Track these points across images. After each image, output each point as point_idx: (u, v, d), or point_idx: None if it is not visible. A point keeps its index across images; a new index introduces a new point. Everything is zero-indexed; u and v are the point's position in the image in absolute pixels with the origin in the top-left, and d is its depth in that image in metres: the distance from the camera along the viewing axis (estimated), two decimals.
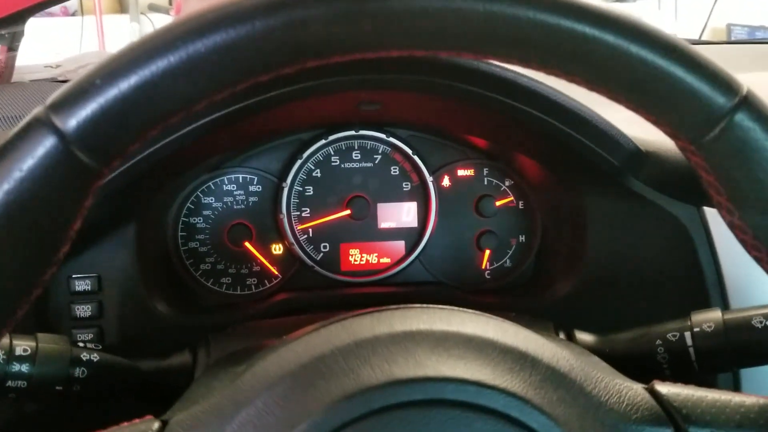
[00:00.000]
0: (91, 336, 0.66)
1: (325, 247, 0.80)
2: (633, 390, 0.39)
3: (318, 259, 0.79)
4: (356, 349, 0.36)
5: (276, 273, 0.79)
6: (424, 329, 0.37)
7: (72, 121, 0.30)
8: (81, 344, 0.55)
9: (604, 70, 0.33)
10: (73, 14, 3.61)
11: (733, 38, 3.57)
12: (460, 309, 0.40)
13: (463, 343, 0.37)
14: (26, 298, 0.32)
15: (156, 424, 0.37)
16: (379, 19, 0.31)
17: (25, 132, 0.31)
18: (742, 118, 0.33)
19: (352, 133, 0.77)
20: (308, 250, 0.79)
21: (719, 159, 0.34)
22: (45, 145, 0.30)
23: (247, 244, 0.78)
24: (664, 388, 0.39)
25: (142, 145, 0.37)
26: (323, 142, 0.77)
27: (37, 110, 0.31)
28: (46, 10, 3.01)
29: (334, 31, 0.31)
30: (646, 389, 0.40)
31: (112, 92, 0.30)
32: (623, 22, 0.32)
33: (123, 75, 0.30)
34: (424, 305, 0.41)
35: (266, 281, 0.79)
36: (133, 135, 0.32)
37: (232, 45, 0.30)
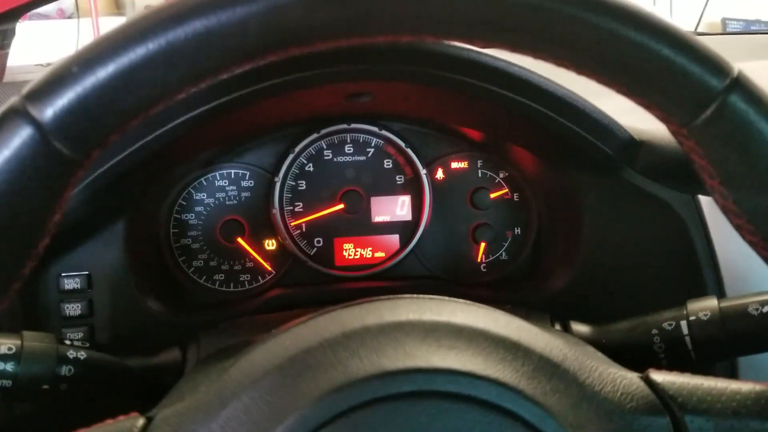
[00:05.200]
0: (81, 334, 0.66)
1: (318, 241, 0.79)
2: (628, 379, 0.38)
3: (312, 254, 0.79)
4: (345, 341, 0.35)
5: (270, 269, 0.78)
6: (413, 319, 0.37)
7: (49, 111, 0.30)
8: (68, 342, 0.54)
9: (593, 54, 0.32)
10: (70, 17, 3.60)
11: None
12: (450, 299, 0.40)
13: (453, 333, 0.36)
14: (5, 293, 0.32)
15: (141, 421, 0.37)
16: (363, 3, 0.30)
17: (0, 123, 0.30)
18: (735, 100, 0.32)
19: (345, 126, 0.77)
20: (302, 245, 0.78)
21: (712, 142, 0.34)
22: (21, 136, 0.30)
23: (240, 240, 0.77)
24: (659, 377, 0.39)
25: (125, 135, 0.36)
26: (315, 135, 0.76)
27: (12, 100, 0.30)
28: (43, 14, 3.00)
29: (316, 16, 0.30)
30: (641, 378, 0.39)
31: (89, 80, 0.30)
32: (612, 4, 0.32)
33: (100, 62, 0.30)
34: (414, 295, 0.40)
35: (260, 277, 0.78)
36: (113, 124, 0.31)
37: (212, 31, 0.30)
